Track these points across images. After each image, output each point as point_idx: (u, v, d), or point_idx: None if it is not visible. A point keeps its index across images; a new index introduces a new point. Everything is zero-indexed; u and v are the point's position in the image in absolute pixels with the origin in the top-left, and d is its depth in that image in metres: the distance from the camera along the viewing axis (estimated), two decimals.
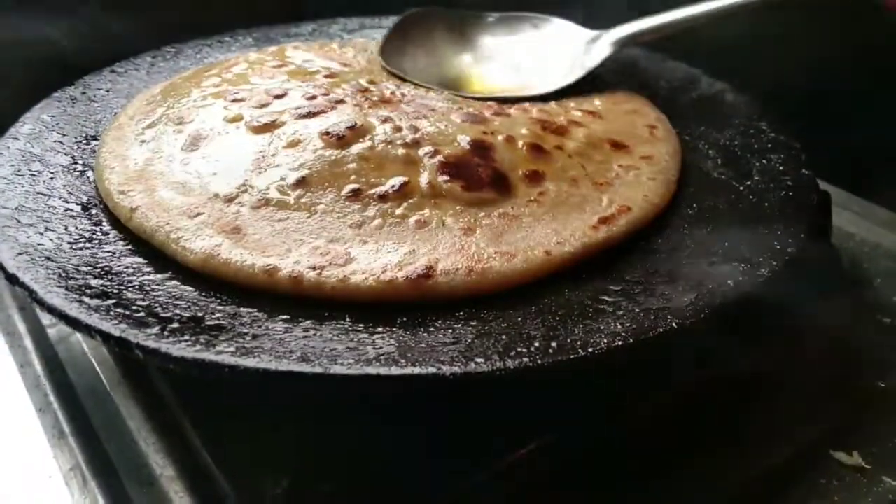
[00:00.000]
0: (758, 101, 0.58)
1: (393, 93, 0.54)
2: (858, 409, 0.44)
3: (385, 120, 0.50)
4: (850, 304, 0.51)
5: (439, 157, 0.47)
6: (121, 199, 0.46)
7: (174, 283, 0.42)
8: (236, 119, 0.50)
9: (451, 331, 0.38)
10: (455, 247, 0.43)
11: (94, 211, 0.47)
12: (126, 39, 0.68)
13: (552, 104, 0.56)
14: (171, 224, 0.44)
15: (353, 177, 0.46)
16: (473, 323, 0.38)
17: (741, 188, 0.50)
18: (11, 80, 0.65)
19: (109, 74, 0.62)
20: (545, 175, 0.47)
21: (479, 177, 0.46)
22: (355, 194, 0.45)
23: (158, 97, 0.55)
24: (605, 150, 0.51)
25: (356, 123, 0.48)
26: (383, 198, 0.45)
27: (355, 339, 0.37)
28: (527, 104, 0.55)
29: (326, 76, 0.56)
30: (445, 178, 0.46)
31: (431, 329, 0.38)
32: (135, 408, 0.44)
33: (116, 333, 0.37)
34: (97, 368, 0.47)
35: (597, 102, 0.58)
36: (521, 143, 0.49)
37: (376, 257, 0.42)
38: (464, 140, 0.48)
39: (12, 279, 0.42)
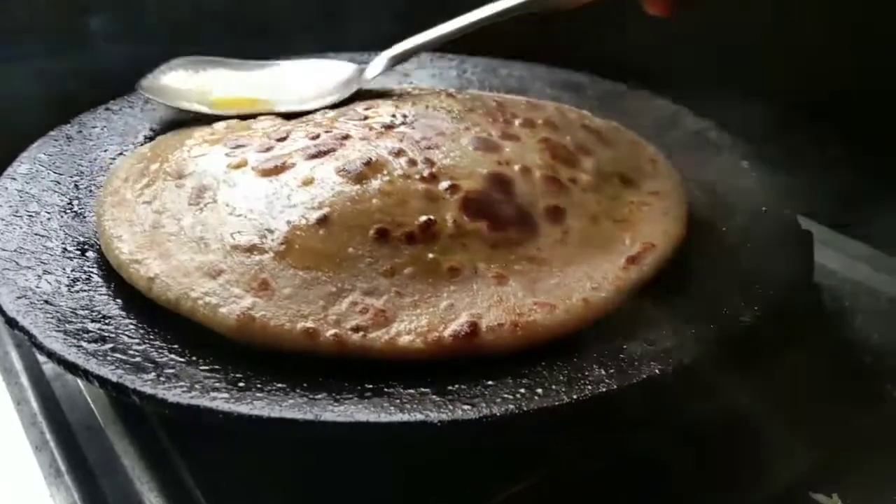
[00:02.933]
0: (740, 140, 0.57)
1: (394, 115, 0.52)
2: (837, 450, 0.44)
3: (398, 153, 0.46)
4: (830, 343, 0.51)
5: (460, 194, 0.44)
6: (136, 269, 0.42)
7: (170, 327, 0.41)
8: (241, 165, 0.47)
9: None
10: (493, 299, 0.41)
11: (90, 253, 0.46)
12: (115, 73, 0.69)
13: (555, 116, 0.54)
14: (195, 289, 0.40)
15: (377, 214, 0.43)
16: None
17: (724, 229, 0.49)
18: (9, 116, 0.66)
19: (104, 112, 0.59)
20: (566, 212, 0.45)
21: (503, 215, 0.44)
22: (383, 235, 0.42)
23: (149, 154, 0.51)
24: (615, 185, 0.49)
25: (371, 159, 0.45)
26: (411, 239, 0.42)
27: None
28: (532, 117, 0.53)
29: (322, 113, 0.53)
30: (470, 217, 0.44)
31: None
32: (129, 445, 0.43)
33: (114, 379, 0.36)
34: (92, 406, 0.45)
35: (597, 121, 0.56)
36: (537, 174, 0.47)
37: (417, 314, 0.40)
38: (481, 173, 0.46)
39: (12, 323, 0.40)
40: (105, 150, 0.57)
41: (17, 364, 0.49)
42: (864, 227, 0.63)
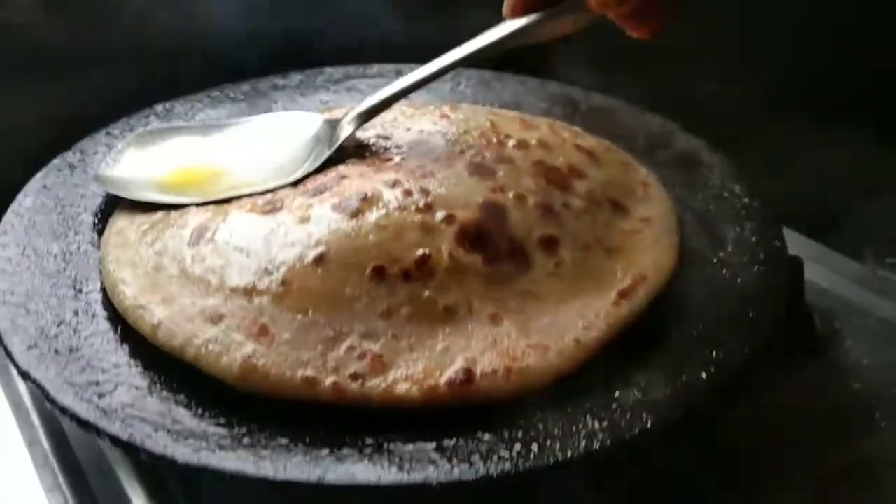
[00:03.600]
0: (732, 160, 0.57)
1: (388, 147, 0.52)
2: (825, 486, 0.44)
3: (393, 184, 0.47)
4: (820, 369, 0.51)
5: (455, 225, 0.45)
6: (140, 314, 0.43)
7: (175, 374, 0.42)
8: (239, 208, 0.48)
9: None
10: (488, 341, 0.41)
11: (96, 295, 0.47)
12: (114, 96, 0.70)
13: (548, 136, 0.54)
14: (198, 336, 0.41)
15: (373, 251, 0.43)
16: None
17: (714, 260, 0.49)
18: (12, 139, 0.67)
19: (105, 138, 0.59)
20: (559, 241, 0.46)
21: (497, 247, 0.45)
22: (379, 274, 0.42)
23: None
24: (607, 211, 0.50)
25: (366, 193, 0.46)
26: (407, 276, 0.43)
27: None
28: (526, 138, 0.53)
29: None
30: (464, 250, 0.44)
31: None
32: (138, 486, 0.46)
33: (124, 438, 0.37)
34: (101, 445, 0.45)
35: (590, 140, 0.56)
36: (531, 201, 0.47)
37: (414, 358, 0.40)
38: (476, 202, 0.46)
39: (24, 375, 0.41)
40: None
41: (27, 400, 0.50)
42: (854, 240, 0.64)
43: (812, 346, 0.54)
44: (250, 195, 0.49)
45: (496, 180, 0.48)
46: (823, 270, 0.60)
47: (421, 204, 0.46)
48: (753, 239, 0.50)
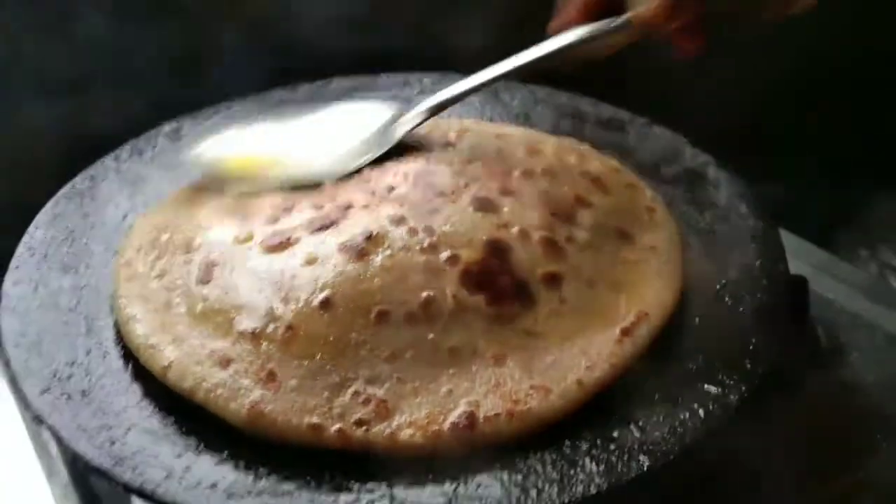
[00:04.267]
0: (738, 177, 0.57)
1: (395, 174, 0.52)
2: None
3: (399, 221, 0.47)
4: (822, 385, 0.51)
5: (460, 266, 0.45)
6: (151, 354, 0.44)
7: (186, 414, 0.43)
8: (247, 239, 0.48)
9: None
10: (491, 383, 0.42)
11: (108, 332, 0.48)
12: (120, 116, 0.68)
13: (554, 163, 0.54)
14: (208, 380, 0.42)
15: (378, 295, 0.44)
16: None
17: (718, 287, 0.49)
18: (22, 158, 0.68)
19: (113, 163, 0.60)
20: (563, 277, 0.46)
21: (501, 287, 0.45)
22: (384, 317, 0.43)
23: (159, 220, 0.52)
24: (612, 240, 0.50)
25: (372, 232, 0.46)
26: (412, 319, 0.43)
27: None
28: (532, 167, 0.53)
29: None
30: (468, 291, 0.45)
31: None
32: None
33: (136, 485, 0.38)
34: None
35: (596, 163, 0.56)
36: (535, 237, 0.47)
37: (417, 403, 0.41)
38: (481, 240, 0.47)
39: (38, 420, 0.42)
40: (117, 206, 0.58)
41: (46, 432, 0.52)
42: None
43: (815, 362, 0.54)
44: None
45: (501, 216, 0.49)
46: (830, 281, 0.60)
47: (425, 244, 0.46)
48: (757, 264, 0.51)
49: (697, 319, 0.48)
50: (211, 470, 0.40)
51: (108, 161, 0.61)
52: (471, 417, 0.41)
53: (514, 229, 0.48)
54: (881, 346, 0.55)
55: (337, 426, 0.41)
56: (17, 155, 0.65)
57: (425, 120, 0.56)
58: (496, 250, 0.47)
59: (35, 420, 0.42)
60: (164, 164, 0.62)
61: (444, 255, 0.46)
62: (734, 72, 0.68)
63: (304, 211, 0.50)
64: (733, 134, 0.68)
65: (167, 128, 0.65)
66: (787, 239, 0.60)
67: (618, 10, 0.49)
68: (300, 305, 0.44)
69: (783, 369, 0.47)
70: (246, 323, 0.44)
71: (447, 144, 0.57)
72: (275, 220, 0.50)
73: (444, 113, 0.66)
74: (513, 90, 0.69)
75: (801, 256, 0.62)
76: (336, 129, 0.58)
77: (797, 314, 0.51)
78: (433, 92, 0.70)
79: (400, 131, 0.55)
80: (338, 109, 0.60)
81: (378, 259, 0.45)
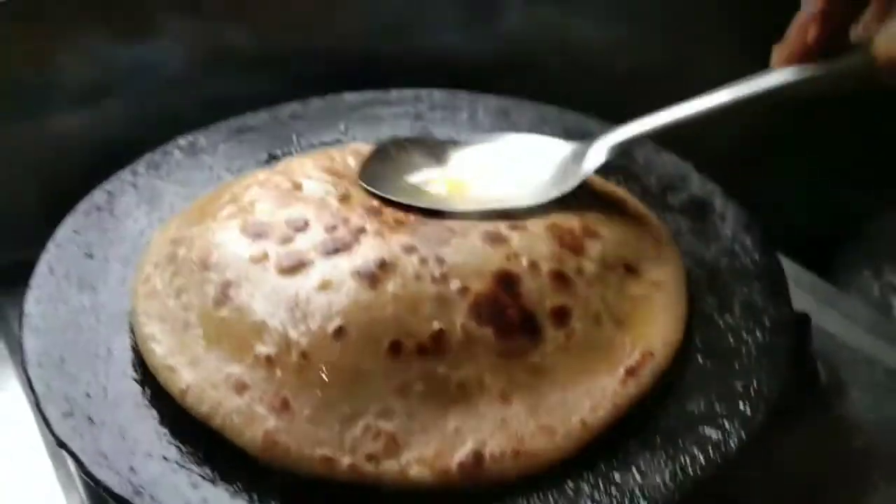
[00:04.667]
0: (743, 210, 0.58)
1: (406, 214, 0.53)
2: None
3: (410, 250, 0.48)
4: (821, 423, 0.52)
5: (469, 297, 0.46)
6: (169, 376, 0.45)
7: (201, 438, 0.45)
8: (262, 259, 0.48)
9: None
10: (497, 421, 0.43)
11: (127, 353, 0.49)
12: (135, 129, 0.68)
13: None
14: (223, 406, 0.44)
15: (391, 325, 0.45)
16: None
17: (722, 324, 0.50)
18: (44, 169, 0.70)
19: (130, 177, 0.61)
20: (571, 311, 0.47)
21: (509, 320, 0.46)
22: (395, 349, 0.44)
23: (175, 234, 0.53)
24: (619, 274, 0.51)
25: (384, 259, 0.47)
26: (422, 351, 0.45)
27: None
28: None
29: (340, 199, 0.54)
30: (477, 323, 0.46)
31: None
32: None
33: None
34: None
35: (604, 192, 0.57)
36: (544, 268, 0.48)
37: (426, 440, 0.43)
38: (490, 271, 0.48)
39: (61, 444, 0.43)
40: (135, 221, 0.59)
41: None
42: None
43: (815, 398, 0.55)
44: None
45: (510, 247, 0.50)
46: (833, 315, 0.61)
47: (437, 274, 0.47)
48: (760, 303, 0.52)
49: (699, 357, 0.49)
50: (227, 502, 0.42)
51: (124, 175, 0.62)
52: (478, 456, 0.42)
53: (524, 260, 0.49)
54: (881, 383, 0.56)
55: (348, 460, 0.42)
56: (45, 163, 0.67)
57: (608, 160, 0.55)
58: (505, 282, 0.48)
59: (57, 444, 0.44)
60: (179, 179, 0.63)
61: (455, 285, 0.47)
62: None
63: (317, 232, 0.51)
64: (737, 150, 0.69)
65: (182, 141, 0.66)
66: (791, 269, 0.62)
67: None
68: (314, 332, 0.45)
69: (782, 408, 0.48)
70: (261, 348, 0.46)
71: None
72: (289, 239, 0.51)
73: (455, 132, 0.68)
74: (522, 109, 0.70)
75: (804, 287, 0.63)
76: (519, 161, 0.59)
77: (798, 351, 0.52)
78: (444, 108, 0.72)
79: (586, 170, 0.55)
80: (518, 141, 0.61)
81: (390, 288, 0.47)
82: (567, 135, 0.67)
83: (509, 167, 0.59)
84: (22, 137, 0.67)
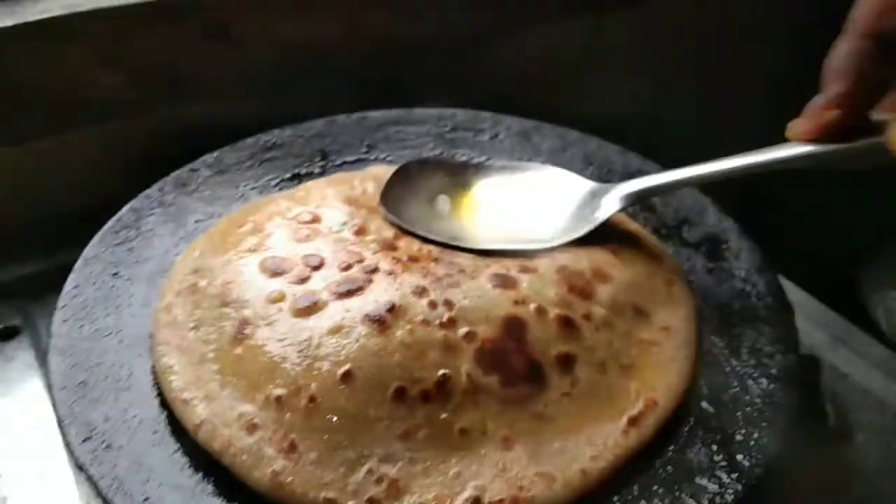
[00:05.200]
0: (758, 249, 0.58)
1: (420, 248, 0.55)
2: None
3: (420, 293, 0.50)
4: (825, 468, 0.53)
5: (476, 343, 0.48)
6: (184, 409, 0.47)
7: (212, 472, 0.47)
8: (278, 299, 0.50)
9: None
10: (497, 467, 0.45)
11: (146, 378, 0.51)
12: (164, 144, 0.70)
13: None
14: (234, 445, 0.45)
15: (397, 370, 0.46)
16: None
17: (728, 369, 0.51)
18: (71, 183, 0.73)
19: (157, 194, 0.63)
20: (576, 359, 0.49)
21: (514, 368, 0.47)
22: (400, 395, 0.46)
23: (198, 262, 0.55)
24: (628, 318, 0.52)
25: (394, 304, 0.49)
26: (427, 397, 0.46)
27: None
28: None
29: (356, 232, 0.56)
30: (483, 370, 0.47)
31: None
32: None
33: None
34: None
35: (619, 230, 0.58)
36: (552, 314, 0.50)
37: (427, 484, 0.44)
38: (498, 317, 0.49)
39: (80, 467, 0.45)
40: (161, 239, 0.61)
41: None
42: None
43: (821, 441, 0.56)
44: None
45: (518, 292, 0.51)
46: (847, 353, 0.62)
47: (445, 318, 0.49)
48: (768, 349, 0.52)
49: (703, 403, 0.50)
50: None
51: (152, 193, 0.64)
52: (477, 502, 0.44)
53: (532, 306, 0.50)
54: (889, 428, 0.56)
55: (351, 503, 0.43)
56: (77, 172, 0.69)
57: (625, 208, 0.56)
58: (512, 328, 0.49)
59: (77, 468, 0.46)
60: (205, 197, 0.65)
61: (462, 331, 0.49)
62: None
63: (332, 270, 0.53)
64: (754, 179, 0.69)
65: (209, 158, 0.68)
66: (806, 302, 0.62)
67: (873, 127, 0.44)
68: (323, 377, 0.47)
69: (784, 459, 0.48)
70: (272, 389, 0.47)
71: None
72: (304, 279, 0.53)
73: (476, 154, 0.69)
74: (543, 132, 0.71)
75: (818, 323, 0.63)
76: (537, 196, 0.60)
77: (807, 394, 0.53)
78: (466, 129, 0.73)
79: (598, 217, 0.56)
80: (538, 173, 0.61)
81: (399, 333, 0.48)
82: (587, 161, 0.68)
83: (527, 201, 0.60)
84: (54, 149, 0.69)
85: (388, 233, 0.56)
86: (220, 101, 0.73)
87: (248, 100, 0.74)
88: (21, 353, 0.63)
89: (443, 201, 0.61)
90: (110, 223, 0.61)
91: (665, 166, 0.65)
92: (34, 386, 0.60)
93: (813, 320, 0.62)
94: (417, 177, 0.62)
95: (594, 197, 0.57)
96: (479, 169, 0.63)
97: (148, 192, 0.64)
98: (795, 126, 0.46)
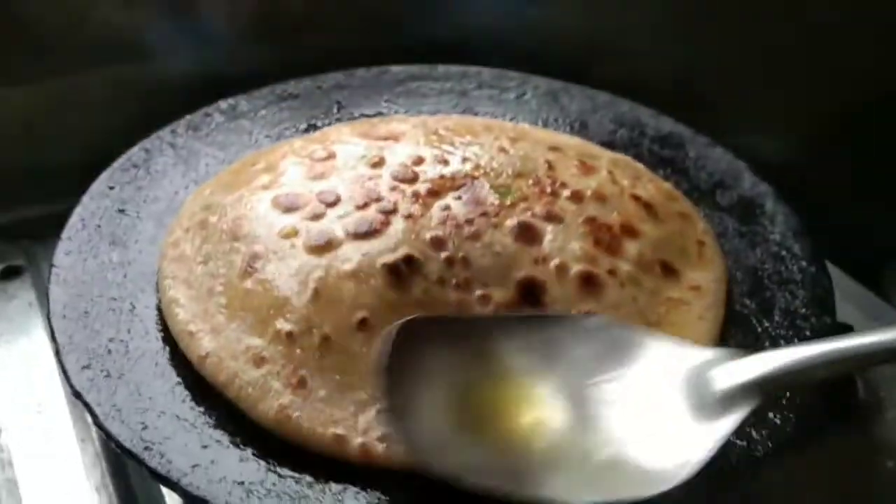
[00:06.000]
0: (795, 214, 0.56)
1: (442, 176, 0.53)
2: None
3: (438, 245, 0.48)
4: (854, 442, 0.51)
5: (490, 306, 0.46)
6: (190, 342, 0.46)
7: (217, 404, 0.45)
8: (291, 234, 0.49)
9: None
10: None
11: (151, 311, 0.50)
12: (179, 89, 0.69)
13: (606, 185, 0.54)
14: (240, 377, 0.44)
15: None
16: None
17: (759, 330, 0.49)
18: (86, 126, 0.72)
19: (169, 136, 0.61)
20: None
21: None
22: None
23: (209, 200, 0.54)
24: (656, 275, 0.50)
25: (411, 256, 0.47)
26: None
27: None
28: (581, 189, 0.53)
29: (372, 165, 0.54)
30: None
31: None
32: None
33: (163, 473, 0.40)
34: None
35: (650, 187, 0.56)
36: (573, 271, 0.48)
37: None
38: (515, 279, 0.47)
39: (77, 395, 0.44)
40: (171, 181, 0.60)
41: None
42: None
43: (849, 416, 0.54)
44: None
45: (541, 248, 0.49)
46: None
47: (461, 278, 0.48)
48: (803, 311, 0.50)
49: None
50: (235, 466, 0.42)
51: (164, 135, 0.63)
52: None
53: (552, 264, 0.49)
54: None
55: (360, 440, 0.42)
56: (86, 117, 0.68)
57: (769, 398, 0.39)
58: (529, 290, 0.48)
59: (73, 395, 0.45)
60: (217, 142, 0.64)
61: (477, 293, 0.47)
62: (805, 98, 0.67)
63: (347, 207, 0.51)
64: (792, 158, 0.67)
65: (224, 104, 0.66)
66: (840, 279, 0.60)
67: None
68: (338, 320, 0.46)
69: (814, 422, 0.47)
70: (283, 324, 0.46)
71: (500, 150, 0.57)
72: (319, 215, 0.51)
73: (500, 113, 0.67)
74: (572, 93, 0.69)
75: (851, 299, 0.61)
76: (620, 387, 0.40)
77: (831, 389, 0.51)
78: (492, 87, 0.71)
79: (733, 416, 0.38)
80: (623, 374, 0.41)
81: (415, 290, 0.47)
82: (618, 123, 0.67)
83: (606, 397, 0.40)
84: (64, 91, 0.67)
85: (407, 160, 0.54)
86: (241, 47, 0.71)
87: (270, 46, 0.71)
88: (23, 293, 0.62)
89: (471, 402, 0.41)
90: (119, 161, 0.60)
91: (699, 130, 0.64)
92: (35, 325, 0.59)
93: (847, 297, 0.60)
94: (419, 354, 0.41)
95: (705, 384, 0.39)
96: (499, 329, 0.43)
97: (160, 132, 0.63)
98: None
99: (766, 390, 0.38)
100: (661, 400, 0.39)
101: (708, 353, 0.40)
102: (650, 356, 0.40)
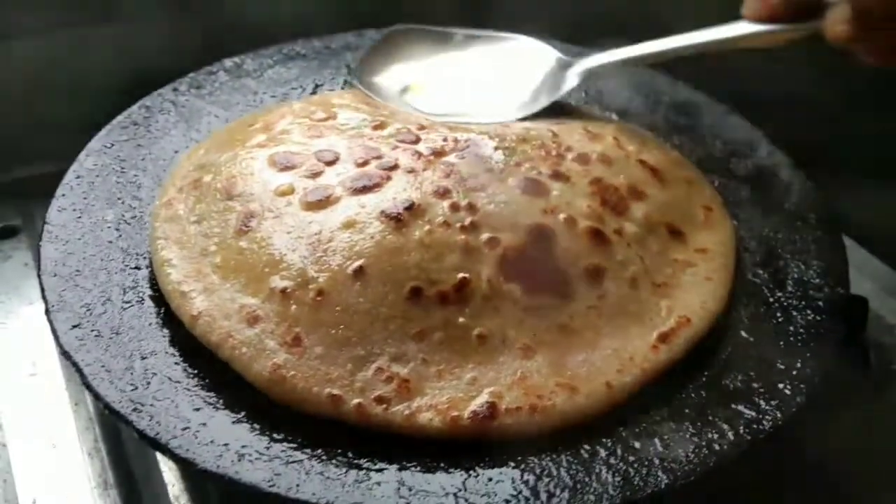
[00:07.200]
0: (812, 182, 0.55)
1: (445, 139, 0.51)
2: None
3: (442, 194, 0.47)
4: (868, 408, 0.50)
5: (499, 250, 0.45)
6: (182, 302, 0.45)
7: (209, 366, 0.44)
8: (287, 192, 0.48)
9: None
10: (516, 376, 0.42)
11: (144, 271, 0.48)
12: (183, 47, 0.68)
13: (611, 149, 0.53)
14: (234, 337, 0.43)
15: (413, 270, 0.44)
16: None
17: (771, 300, 0.48)
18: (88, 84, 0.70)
19: (171, 94, 0.60)
20: (605, 272, 0.46)
21: (539, 277, 0.45)
22: (416, 294, 0.43)
23: (203, 160, 0.52)
24: (662, 237, 0.49)
25: (413, 203, 0.46)
26: (444, 299, 0.43)
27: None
28: (587, 152, 0.52)
29: (374, 126, 0.53)
30: (505, 277, 0.44)
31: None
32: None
33: (151, 434, 0.39)
34: None
35: (656, 153, 0.55)
36: (581, 225, 0.47)
37: (440, 387, 0.41)
38: (524, 224, 0.46)
39: (66, 355, 0.43)
40: (171, 140, 0.58)
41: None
42: None
43: (860, 385, 0.52)
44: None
45: (549, 200, 0.48)
46: (893, 303, 0.58)
47: (466, 222, 0.46)
48: (816, 281, 0.49)
49: (743, 332, 0.47)
50: (226, 429, 0.41)
51: (165, 93, 0.61)
52: (492, 408, 0.41)
53: (561, 216, 0.47)
54: None
55: (357, 400, 0.41)
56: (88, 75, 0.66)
57: (579, 84, 0.58)
58: (539, 237, 0.46)
59: (62, 354, 0.44)
60: (220, 101, 0.63)
61: (485, 236, 0.46)
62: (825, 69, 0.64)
63: (347, 165, 0.50)
64: (813, 136, 0.65)
65: (228, 63, 0.65)
66: (855, 253, 0.59)
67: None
68: (334, 271, 0.44)
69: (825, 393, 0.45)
70: (278, 281, 0.45)
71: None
72: (317, 173, 0.50)
73: None
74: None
75: (866, 273, 0.60)
76: (499, 67, 0.61)
77: (852, 335, 0.49)
78: None
79: (566, 85, 0.58)
80: (503, 44, 0.62)
81: (417, 233, 0.45)
82: (636, 90, 0.65)
83: (495, 74, 0.61)
84: (64, 48, 0.66)
85: (412, 125, 0.53)
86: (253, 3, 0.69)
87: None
88: (18, 253, 0.62)
89: (413, 72, 0.61)
90: (119, 118, 0.59)
91: (718, 99, 0.62)
92: (30, 286, 0.57)
93: (862, 270, 0.59)
94: (402, 44, 0.62)
95: (559, 71, 0.58)
96: (463, 40, 0.62)
97: (161, 90, 0.62)
98: (747, 6, 0.50)
99: (589, 74, 0.58)
100: (521, 66, 0.60)
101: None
102: (533, 53, 0.61)
